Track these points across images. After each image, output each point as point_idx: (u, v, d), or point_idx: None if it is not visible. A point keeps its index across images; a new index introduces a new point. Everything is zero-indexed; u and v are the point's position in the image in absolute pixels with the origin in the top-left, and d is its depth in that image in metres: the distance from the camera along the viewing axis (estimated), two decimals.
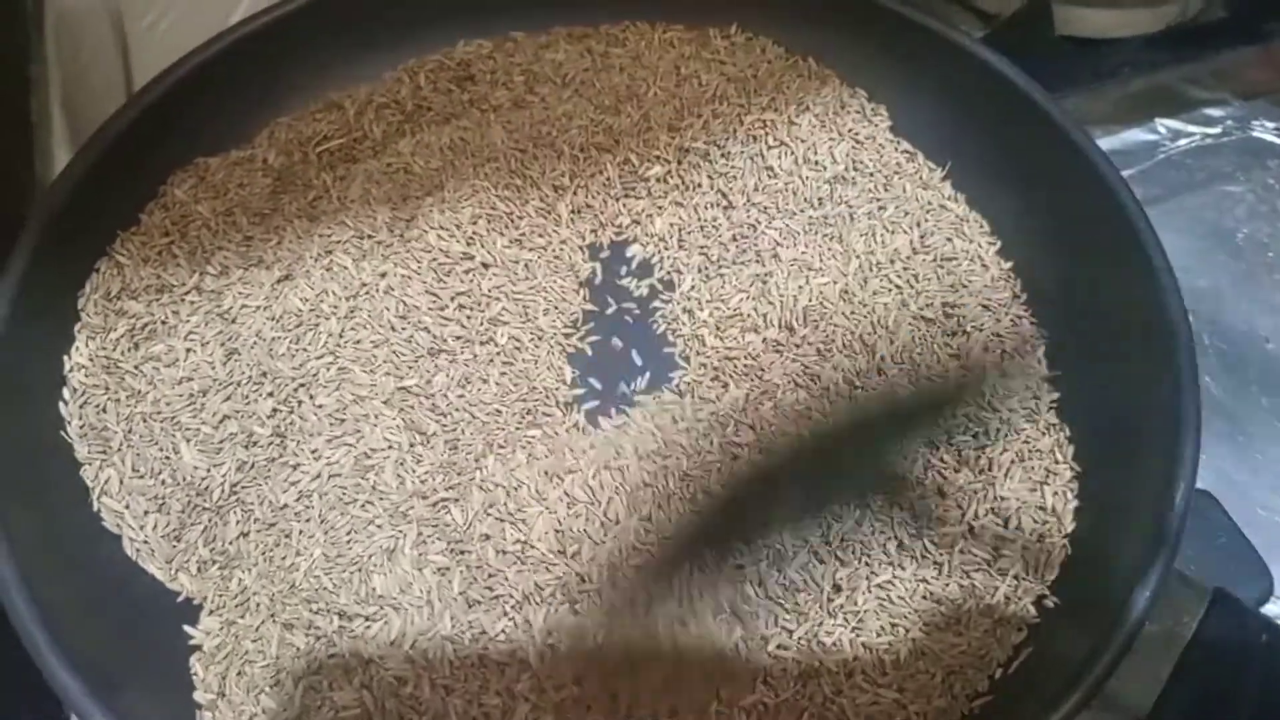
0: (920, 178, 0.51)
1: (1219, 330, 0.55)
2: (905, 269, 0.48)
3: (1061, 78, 0.63)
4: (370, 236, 0.48)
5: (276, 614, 0.40)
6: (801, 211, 0.49)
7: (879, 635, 0.39)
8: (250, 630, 0.39)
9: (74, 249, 0.46)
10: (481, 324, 0.46)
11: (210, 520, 0.42)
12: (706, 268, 0.48)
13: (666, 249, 0.49)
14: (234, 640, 0.39)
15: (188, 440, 0.43)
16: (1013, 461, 0.43)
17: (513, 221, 0.49)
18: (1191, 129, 0.65)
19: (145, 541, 0.41)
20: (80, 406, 0.44)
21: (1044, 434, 0.44)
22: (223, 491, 0.42)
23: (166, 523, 0.41)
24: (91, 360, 0.44)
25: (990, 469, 0.43)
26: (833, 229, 0.49)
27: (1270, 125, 0.64)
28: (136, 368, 0.44)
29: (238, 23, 0.51)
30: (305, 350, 0.45)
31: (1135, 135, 0.65)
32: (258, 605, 0.40)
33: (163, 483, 0.42)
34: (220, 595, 0.40)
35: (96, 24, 0.61)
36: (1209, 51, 0.67)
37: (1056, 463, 0.43)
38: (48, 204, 0.44)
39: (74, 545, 0.40)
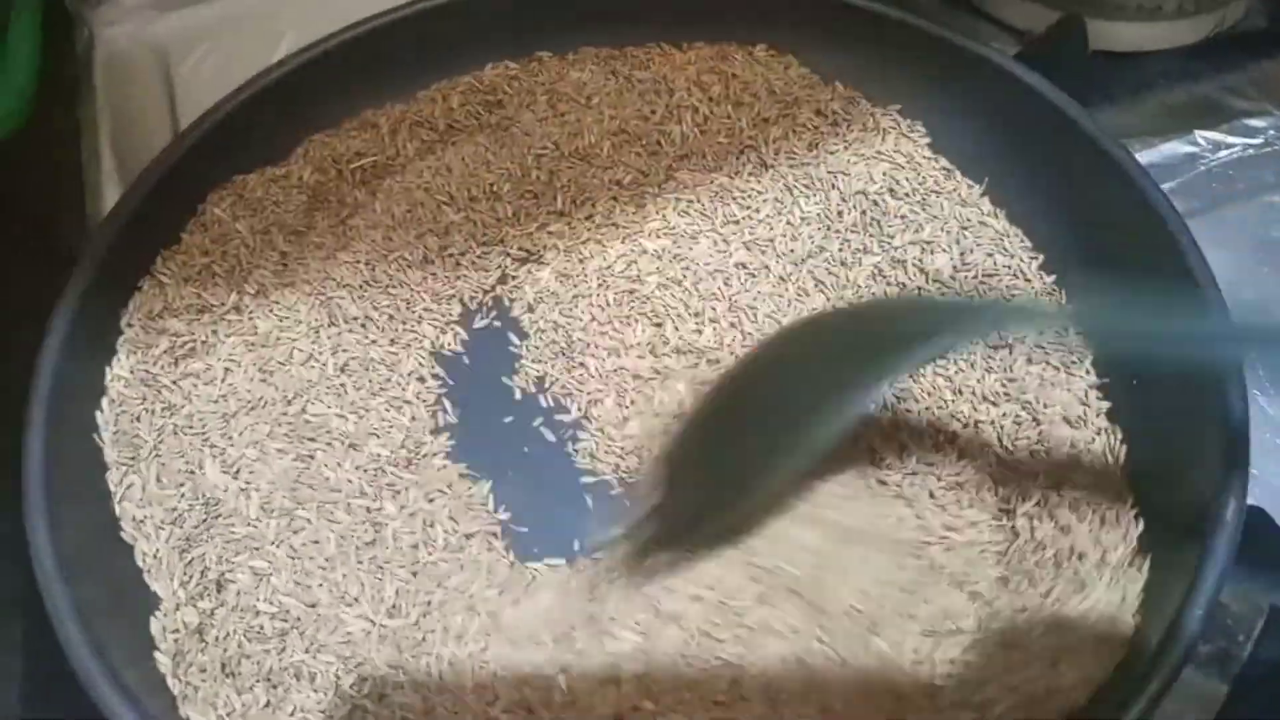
0: (959, 195, 0.50)
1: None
2: (945, 289, 0.47)
3: (1097, 92, 0.62)
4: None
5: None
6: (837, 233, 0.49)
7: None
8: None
9: (125, 273, 0.47)
10: None
11: (221, 541, 0.41)
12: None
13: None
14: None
15: (214, 458, 0.43)
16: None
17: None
18: (1232, 140, 0.64)
19: (156, 554, 0.41)
20: (116, 414, 0.44)
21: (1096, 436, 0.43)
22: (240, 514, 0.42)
23: (180, 535, 0.41)
24: (132, 372, 0.45)
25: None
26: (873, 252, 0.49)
27: None
28: (174, 383, 0.45)
29: (278, 62, 0.52)
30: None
31: (1174, 148, 0.63)
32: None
33: (182, 496, 0.42)
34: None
35: (143, 66, 0.63)
36: (1249, 61, 0.66)
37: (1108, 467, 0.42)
38: (101, 236, 0.46)
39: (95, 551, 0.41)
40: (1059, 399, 0.43)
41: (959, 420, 0.44)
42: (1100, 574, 0.38)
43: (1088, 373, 0.44)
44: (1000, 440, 0.43)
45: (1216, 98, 0.65)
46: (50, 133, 0.61)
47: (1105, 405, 0.43)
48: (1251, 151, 0.63)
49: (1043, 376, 0.44)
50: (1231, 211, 0.60)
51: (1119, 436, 0.42)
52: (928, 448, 0.43)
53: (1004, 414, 0.43)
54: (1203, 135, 0.64)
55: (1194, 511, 0.37)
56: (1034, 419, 0.43)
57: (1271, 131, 0.64)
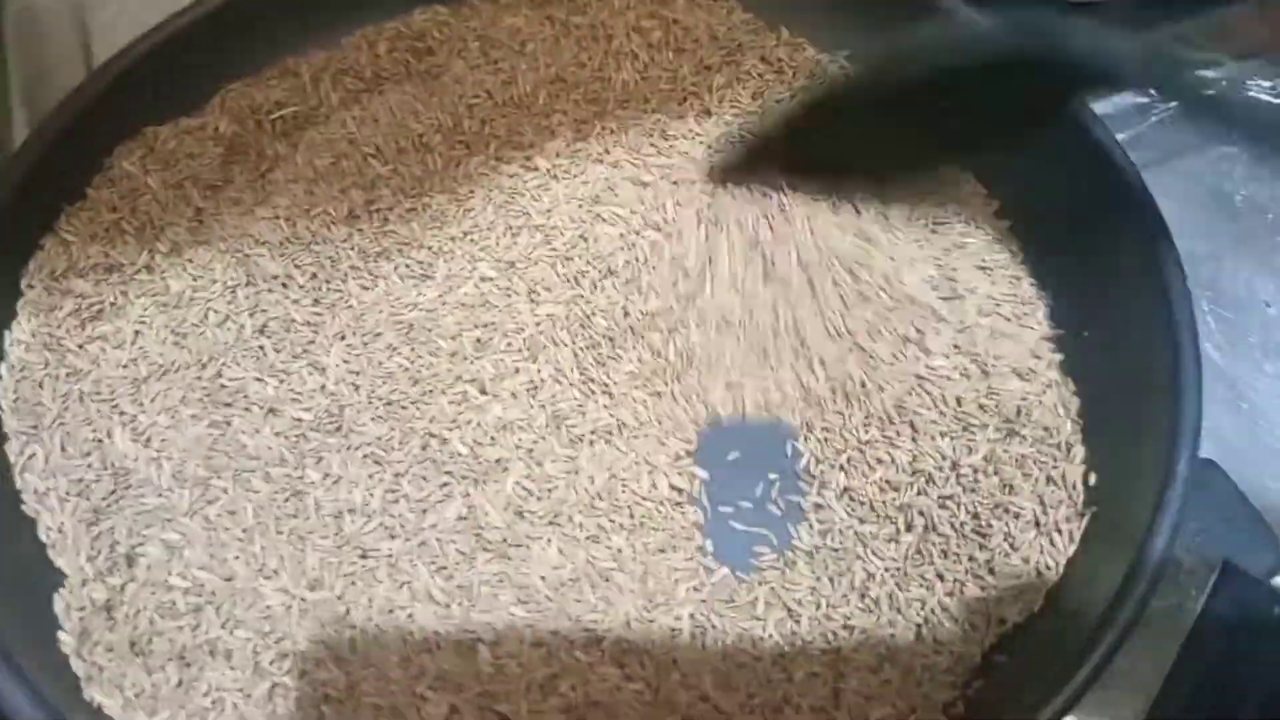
0: None
1: (1219, 295, 0.53)
2: (895, 240, 0.45)
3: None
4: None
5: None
6: None
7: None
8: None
9: (24, 230, 0.44)
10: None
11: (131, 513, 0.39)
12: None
13: None
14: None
15: (123, 426, 0.40)
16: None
17: None
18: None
19: (61, 528, 0.39)
20: (16, 381, 0.41)
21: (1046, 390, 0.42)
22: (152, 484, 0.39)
23: (87, 508, 0.39)
24: (34, 336, 0.42)
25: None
26: None
27: (1265, 85, 0.62)
28: (81, 346, 0.42)
29: (192, 4, 0.48)
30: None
31: (1126, 98, 0.62)
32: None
33: (89, 466, 0.40)
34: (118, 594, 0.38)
35: (58, 19, 0.59)
36: (1201, 9, 0.64)
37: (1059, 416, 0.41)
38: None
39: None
40: (1009, 350, 0.42)
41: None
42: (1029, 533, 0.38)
43: (1039, 324, 0.43)
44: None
45: (1169, 48, 0.64)
46: None
47: (1058, 358, 0.42)
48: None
49: (993, 329, 0.43)
50: (1183, 163, 0.59)
51: (1071, 389, 0.41)
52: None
53: (954, 366, 0.42)
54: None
55: (1146, 464, 0.36)
56: (983, 371, 0.42)
57: (1224, 82, 0.63)
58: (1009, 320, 0.43)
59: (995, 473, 0.40)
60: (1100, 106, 0.60)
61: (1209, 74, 0.63)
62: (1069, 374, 0.42)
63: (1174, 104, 0.62)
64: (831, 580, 0.39)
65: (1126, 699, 0.32)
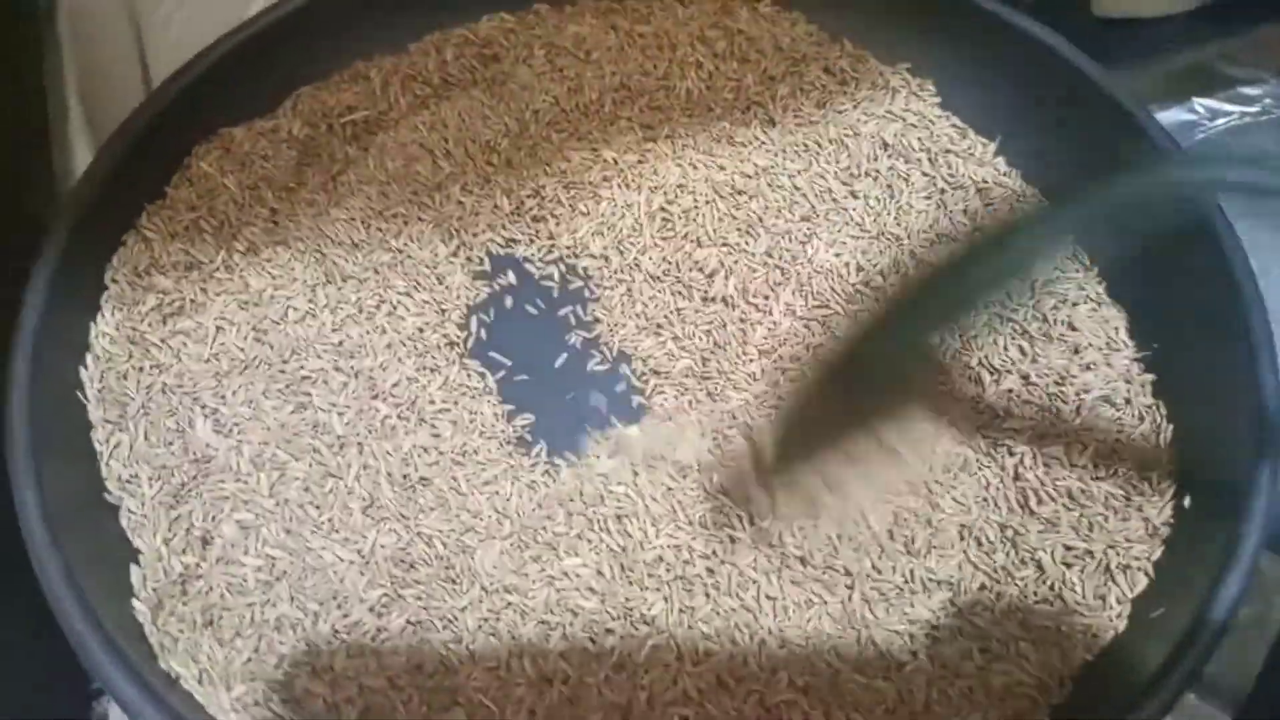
0: (974, 154, 0.49)
1: (1269, 310, 0.53)
2: None
3: (1098, 58, 0.61)
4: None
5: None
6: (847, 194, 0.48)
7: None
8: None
9: (109, 230, 0.45)
10: None
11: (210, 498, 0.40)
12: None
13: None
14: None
15: (205, 417, 0.41)
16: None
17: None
18: (1229, 108, 0.63)
19: (142, 511, 0.39)
20: (102, 371, 0.42)
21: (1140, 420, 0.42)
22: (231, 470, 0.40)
23: (167, 492, 0.40)
24: (118, 329, 0.43)
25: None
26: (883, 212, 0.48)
27: None
28: (163, 341, 0.43)
29: (266, 8, 0.49)
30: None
31: (1173, 116, 0.63)
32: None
33: (172, 454, 0.40)
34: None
35: (111, 16, 0.60)
36: (1247, 27, 0.65)
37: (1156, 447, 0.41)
38: (82, 188, 0.43)
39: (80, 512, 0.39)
40: (1095, 381, 0.43)
41: None
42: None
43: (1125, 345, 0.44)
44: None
45: (1214, 66, 0.65)
46: (12, 92, 0.58)
47: (1150, 378, 0.43)
48: (1249, 119, 0.63)
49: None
50: None
51: (1164, 413, 0.42)
52: None
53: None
54: (1201, 103, 0.63)
55: (1229, 475, 0.36)
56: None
57: (1268, 100, 0.64)
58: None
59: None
60: None
61: (1251, 91, 0.64)
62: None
63: (1220, 121, 0.63)
64: None
65: (1215, 708, 0.32)
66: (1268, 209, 0.58)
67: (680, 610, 0.38)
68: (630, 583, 0.39)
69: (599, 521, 0.40)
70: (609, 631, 0.38)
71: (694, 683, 0.37)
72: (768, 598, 0.39)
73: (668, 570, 0.39)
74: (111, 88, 0.58)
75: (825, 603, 0.39)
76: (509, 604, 0.38)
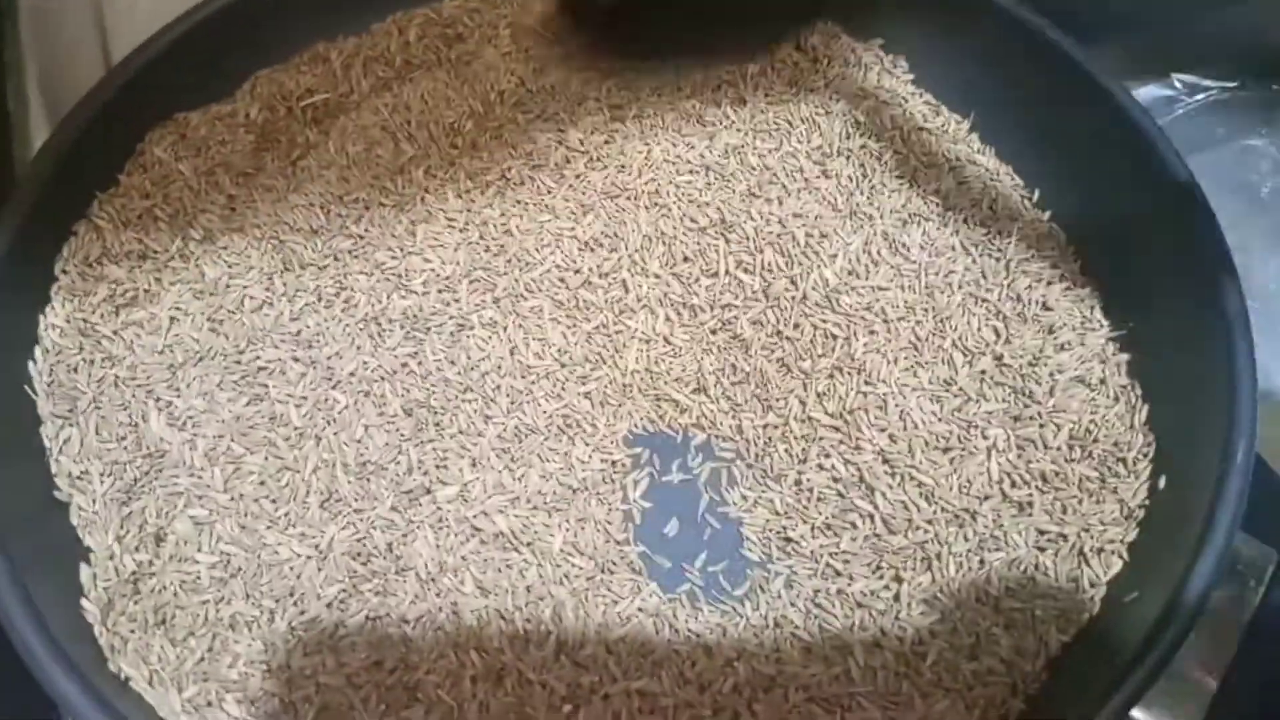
0: (947, 131, 0.48)
1: (1248, 287, 0.52)
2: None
3: (1074, 33, 0.60)
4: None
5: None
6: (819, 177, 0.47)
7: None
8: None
9: (61, 218, 0.44)
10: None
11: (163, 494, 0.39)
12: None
13: None
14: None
15: (159, 410, 0.40)
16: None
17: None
18: (1208, 83, 0.63)
19: (93, 508, 0.38)
20: (51, 365, 0.41)
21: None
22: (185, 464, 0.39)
23: (119, 488, 0.39)
24: (68, 321, 0.42)
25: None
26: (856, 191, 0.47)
27: None
28: (115, 333, 0.42)
29: None
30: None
31: (1151, 91, 0.62)
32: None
33: (124, 449, 0.39)
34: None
35: (75, 7, 0.58)
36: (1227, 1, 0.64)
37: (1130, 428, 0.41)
38: (31, 177, 0.42)
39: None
40: (1070, 362, 0.42)
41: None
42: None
43: (1100, 324, 0.43)
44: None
45: (1193, 40, 0.64)
46: None
47: (1125, 358, 0.42)
48: (1228, 95, 0.62)
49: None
50: (1211, 155, 0.59)
51: (1139, 393, 0.41)
52: None
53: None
54: (1179, 78, 0.63)
55: (1204, 460, 0.36)
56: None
57: (1248, 75, 0.63)
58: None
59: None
60: None
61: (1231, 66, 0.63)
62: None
63: (1200, 96, 0.62)
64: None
65: (1190, 690, 0.32)
66: (1247, 184, 0.58)
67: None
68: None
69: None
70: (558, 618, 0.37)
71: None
72: None
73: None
74: (72, 75, 0.56)
75: (789, 588, 0.38)
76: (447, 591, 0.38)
